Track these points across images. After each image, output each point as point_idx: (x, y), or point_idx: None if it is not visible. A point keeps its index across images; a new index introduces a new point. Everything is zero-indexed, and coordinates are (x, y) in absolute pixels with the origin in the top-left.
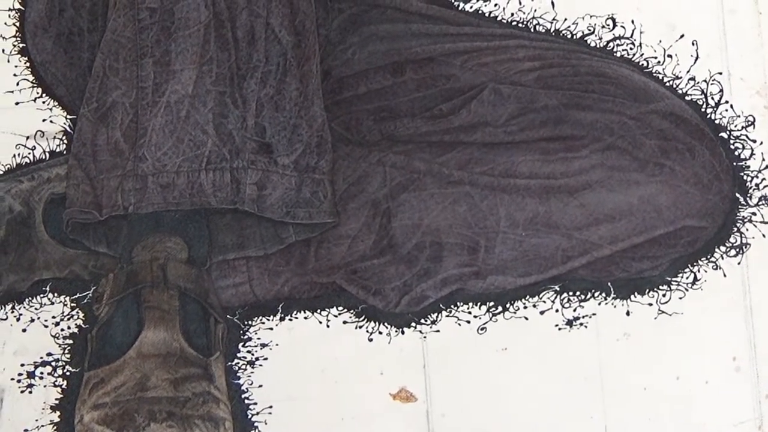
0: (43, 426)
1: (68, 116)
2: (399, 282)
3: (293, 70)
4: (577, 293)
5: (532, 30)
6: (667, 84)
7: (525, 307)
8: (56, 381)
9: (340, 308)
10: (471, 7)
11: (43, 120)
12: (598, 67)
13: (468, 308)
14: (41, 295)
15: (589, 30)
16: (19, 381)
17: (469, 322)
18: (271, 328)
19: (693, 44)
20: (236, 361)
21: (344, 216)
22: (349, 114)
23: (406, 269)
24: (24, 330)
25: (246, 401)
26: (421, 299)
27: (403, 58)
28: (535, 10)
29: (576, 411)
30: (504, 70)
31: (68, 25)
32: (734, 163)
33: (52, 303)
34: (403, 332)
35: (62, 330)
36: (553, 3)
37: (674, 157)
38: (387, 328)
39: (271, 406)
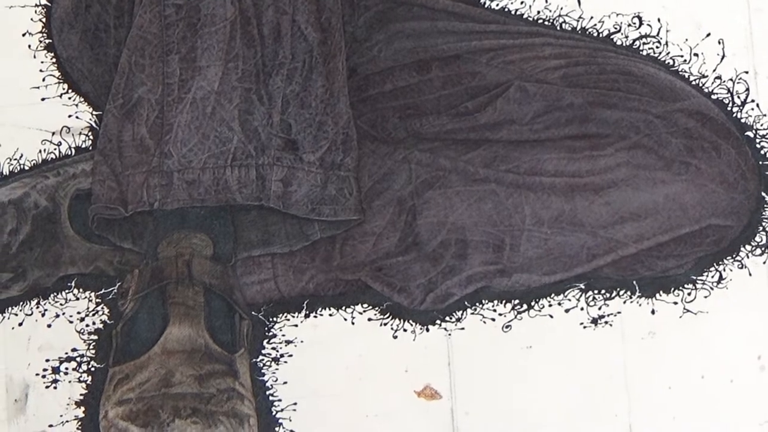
0: (67, 421)
1: (94, 112)
2: (424, 279)
3: (319, 67)
4: (602, 291)
5: (558, 28)
6: (693, 82)
7: (550, 305)
8: (81, 376)
9: (365, 305)
10: (497, 5)
11: (69, 116)
12: (624, 65)
13: (493, 306)
14: (66, 291)
15: (615, 28)
16: (44, 376)
17: (494, 319)
18: (296, 325)
19: (719, 43)
20: (261, 357)
21: (369, 213)
22: (374, 111)
23: (431, 267)
24: (49, 325)
25: (270, 398)
26: (446, 297)
27: (429, 55)
28: (562, 8)
29: (600, 409)
30: (530, 67)
31: (94, 21)
32: (760, 162)
33: (77, 299)
34: (428, 329)
35: (87, 326)
36: (579, 1)
37: (700, 155)
38: (412, 325)
39: (295, 403)
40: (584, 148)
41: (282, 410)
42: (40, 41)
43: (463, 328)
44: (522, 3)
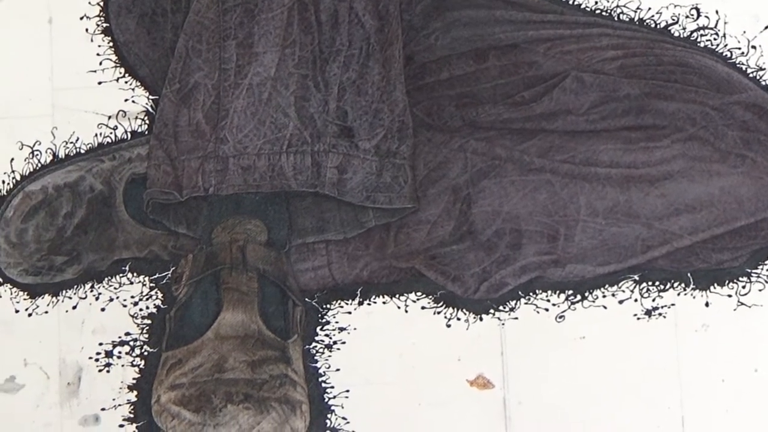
0: (119, 405)
1: (150, 96)
2: (478, 268)
3: (376, 55)
4: (656, 283)
5: (615, 19)
6: (751, 75)
7: (604, 296)
8: (134, 361)
9: (419, 293)
10: None
11: (125, 100)
12: (681, 57)
13: (546, 296)
14: (120, 275)
15: (673, 20)
16: (97, 360)
17: (547, 309)
18: (350, 312)
19: None
20: (314, 344)
21: (424, 201)
22: (431, 99)
23: (486, 256)
24: (103, 309)
25: (323, 385)
26: (500, 286)
27: (486, 44)
28: None
29: (653, 401)
30: (587, 58)
31: (152, 6)
32: None
33: (131, 283)
34: (481, 319)
35: (141, 310)
36: None
37: (756, 148)
38: (465, 314)
39: (348, 390)
40: (640, 139)
41: (334, 397)
42: (98, 25)
43: (516, 318)
44: None
